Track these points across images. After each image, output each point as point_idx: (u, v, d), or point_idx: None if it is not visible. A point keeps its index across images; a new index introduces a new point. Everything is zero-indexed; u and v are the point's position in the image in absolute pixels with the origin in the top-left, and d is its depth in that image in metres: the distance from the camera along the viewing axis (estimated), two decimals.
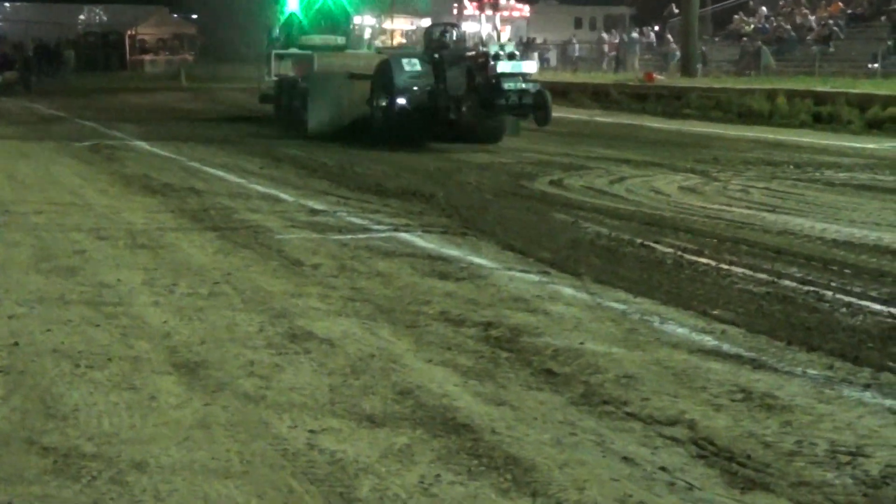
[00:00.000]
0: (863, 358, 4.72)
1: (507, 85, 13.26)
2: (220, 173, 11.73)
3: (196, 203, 9.41)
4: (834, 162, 12.99)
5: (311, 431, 3.86)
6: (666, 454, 3.67)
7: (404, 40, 21.79)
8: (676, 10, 36.20)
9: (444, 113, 14.46)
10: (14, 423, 3.95)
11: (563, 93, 24.56)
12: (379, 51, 18.37)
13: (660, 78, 28.55)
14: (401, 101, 14.59)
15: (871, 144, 15.47)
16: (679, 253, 7.15)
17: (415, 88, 14.61)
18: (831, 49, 29.44)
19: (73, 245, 7.41)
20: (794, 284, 6.20)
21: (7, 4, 57.31)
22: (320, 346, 4.96)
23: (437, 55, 14.81)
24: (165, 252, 7.21)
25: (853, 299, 5.82)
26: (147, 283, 6.27)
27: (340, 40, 19.18)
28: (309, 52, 18.04)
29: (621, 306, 5.71)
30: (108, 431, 3.87)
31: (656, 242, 7.52)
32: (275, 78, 18.90)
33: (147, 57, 54.23)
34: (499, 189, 10.45)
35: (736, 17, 36.45)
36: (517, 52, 13.86)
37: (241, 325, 5.33)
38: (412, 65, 14.76)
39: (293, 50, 18.91)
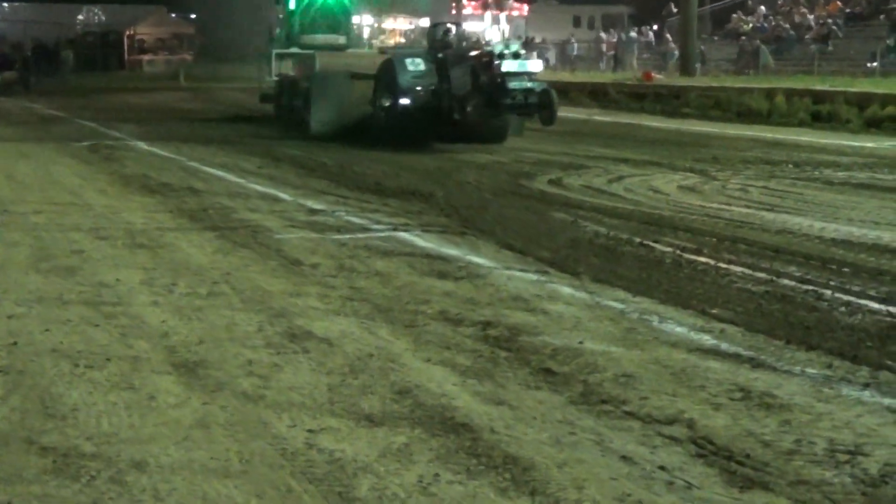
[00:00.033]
0: (861, 357, 4.73)
1: (513, 84, 13.16)
2: (219, 173, 11.73)
3: (195, 203, 9.42)
4: (832, 161, 12.99)
5: (310, 431, 3.86)
6: (665, 453, 3.67)
7: (403, 40, 21.74)
8: (675, 10, 36.21)
9: (449, 113, 14.35)
10: (13, 423, 3.95)
11: (562, 92, 24.39)
12: (382, 50, 18.27)
13: (658, 77, 28.57)
14: (404, 100, 14.49)
15: (869, 143, 15.48)
16: (678, 252, 7.15)
17: (418, 88, 14.52)
18: (830, 48, 29.45)
19: (72, 245, 7.41)
20: (792, 283, 6.21)
21: (5, 4, 57.32)
22: (319, 345, 4.96)
23: (440, 55, 14.72)
24: (164, 252, 7.21)
25: (852, 298, 5.82)
26: (146, 282, 6.27)
27: (342, 39, 19.06)
28: (310, 51, 17.94)
29: (620, 305, 5.71)
30: (108, 431, 3.87)
31: (655, 241, 7.52)
32: (275, 77, 18.80)
33: (146, 57, 54.28)
34: (498, 188, 10.46)
35: (734, 16, 36.47)
36: (522, 52, 13.74)
37: (239, 324, 5.33)
38: (416, 64, 14.66)
39: (294, 49, 18.81)
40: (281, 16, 19.67)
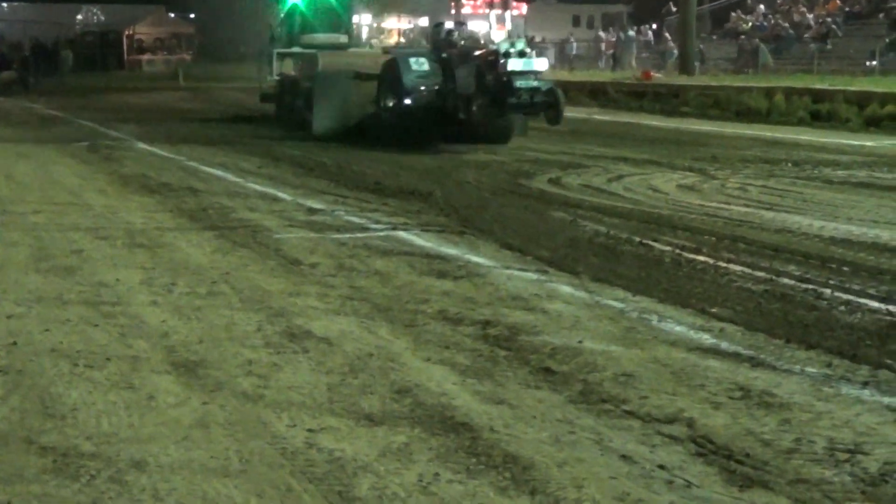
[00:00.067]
0: (861, 355, 4.73)
1: (519, 83, 13.03)
2: (219, 173, 11.73)
3: (194, 202, 9.42)
4: (832, 160, 12.99)
5: (310, 430, 3.86)
6: (664, 452, 3.67)
7: (402, 39, 21.68)
8: (674, 9, 36.21)
9: (454, 112, 14.23)
10: (13, 423, 3.95)
11: (562, 91, 24.50)
12: (386, 50, 18.13)
13: (657, 76, 28.56)
14: (409, 100, 14.36)
15: (869, 142, 15.47)
16: (677, 251, 7.15)
17: (423, 88, 14.38)
18: (829, 47, 29.45)
19: (72, 245, 7.41)
20: (792, 282, 6.21)
21: (4, 4, 57.28)
22: (318, 345, 4.96)
23: (444, 54, 14.61)
24: (164, 251, 7.21)
25: (851, 297, 5.83)
26: (145, 282, 6.27)
27: (343, 38, 18.89)
28: (312, 50, 17.82)
29: (619, 304, 5.71)
30: (107, 431, 3.87)
31: (654, 241, 7.52)
32: (276, 77, 18.67)
33: (145, 56, 54.28)
34: (497, 187, 10.45)
35: (734, 14, 36.47)
36: (528, 50, 13.58)
37: (239, 324, 5.33)
38: (420, 64, 14.53)
39: (295, 49, 18.68)
40: (282, 14, 19.57)
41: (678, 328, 5.24)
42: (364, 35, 21.08)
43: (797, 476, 3.47)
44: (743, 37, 33.15)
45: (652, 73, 28.49)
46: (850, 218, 8.59)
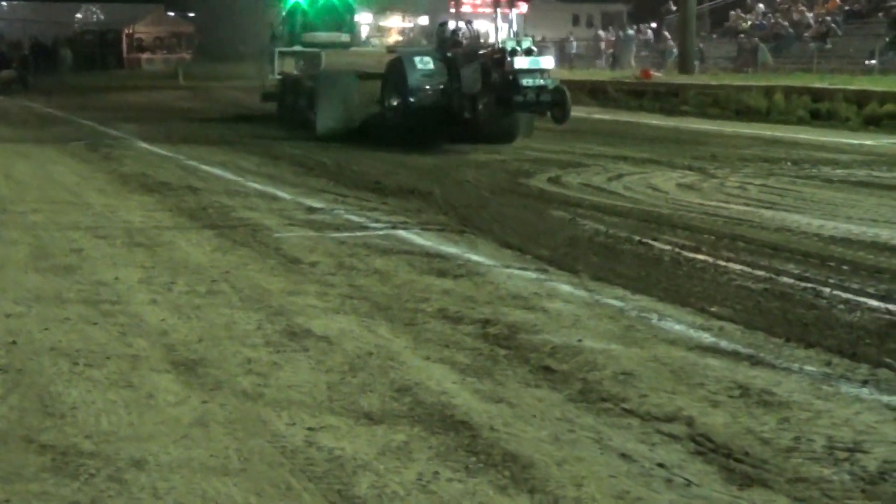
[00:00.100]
0: (860, 354, 4.73)
1: (525, 81, 12.87)
2: (218, 171, 11.73)
3: (194, 201, 9.42)
4: (831, 158, 12.99)
5: (310, 429, 3.86)
6: (664, 451, 3.67)
7: (401, 38, 21.65)
8: (674, 7, 36.20)
9: (459, 112, 14.13)
10: (12, 422, 3.95)
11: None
12: (390, 49, 18.00)
13: (657, 75, 28.55)
14: (414, 100, 14.24)
15: (868, 141, 15.47)
16: (677, 250, 7.15)
17: (428, 87, 14.26)
18: (829, 46, 29.42)
19: (71, 244, 7.41)
20: (791, 281, 6.21)
21: (4, 3, 57.27)
22: (318, 343, 4.97)
23: (449, 53, 14.51)
24: (163, 250, 7.21)
25: (851, 296, 5.83)
26: (145, 281, 6.27)
27: (345, 37, 18.77)
28: (316, 49, 17.69)
29: (619, 303, 5.71)
30: (107, 429, 3.87)
31: (654, 239, 7.52)
32: (278, 76, 18.55)
33: (144, 55, 54.28)
34: (496, 186, 10.45)
35: (733, 13, 36.43)
36: (534, 48, 13.43)
37: (238, 322, 5.33)
38: (425, 63, 14.40)
39: (297, 47, 18.56)
40: (283, 13, 19.47)
41: (677, 327, 5.24)
42: (364, 34, 21.01)
43: (796, 475, 3.47)
44: (742, 36, 33.12)
45: (651, 72, 28.47)
46: (849, 217, 8.59)
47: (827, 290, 5.96)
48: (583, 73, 33.81)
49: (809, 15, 31.86)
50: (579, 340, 4.99)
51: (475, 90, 13.88)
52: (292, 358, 4.74)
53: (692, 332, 5.14)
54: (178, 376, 4.48)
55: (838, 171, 11.69)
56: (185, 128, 17.99)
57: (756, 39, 31.52)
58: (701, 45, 32.98)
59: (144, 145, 14.86)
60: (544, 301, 5.77)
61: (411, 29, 22.05)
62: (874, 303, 5.68)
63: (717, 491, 3.36)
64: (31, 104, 26.12)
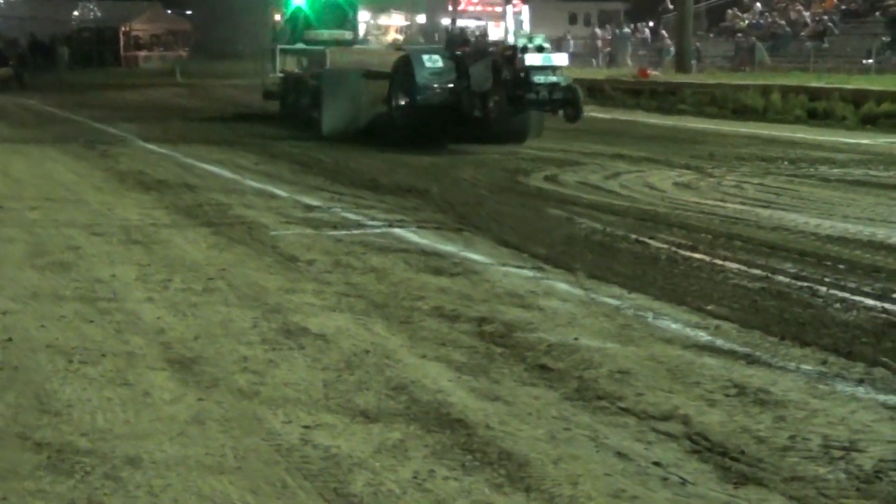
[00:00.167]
0: (856, 353, 4.74)
1: (537, 78, 12.56)
2: (215, 169, 11.72)
3: (190, 199, 9.41)
4: (828, 158, 13.00)
5: (305, 427, 3.86)
6: (660, 449, 3.67)
7: (400, 36, 21.61)
8: (671, 6, 36.21)
9: (469, 110, 13.85)
10: (8, 419, 3.95)
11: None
12: (398, 47, 17.75)
13: (654, 74, 28.55)
14: (422, 99, 13.92)
15: (865, 140, 15.48)
16: (673, 249, 7.15)
17: (436, 86, 13.92)
18: (826, 45, 29.44)
19: (68, 241, 7.41)
20: (788, 280, 6.21)
21: (1, 0, 57.19)
22: (314, 341, 4.96)
23: (458, 52, 14.24)
24: (159, 248, 7.20)
25: (847, 295, 5.83)
26: (141, 278, 6.27)
27: (348, 35, 18.54)
28: (320, 47, 17.46)
29: (615, 302, 5.72)
30: (102, 427, 3.87)
31: (651, 238, 7.52)
32: (280, 74, 18.32)
33: (141, 53, 54.18)
34: (493, 185, 10.45)
35: (730, 12, 36.44)
36: (546, 45, 13.11)
37: (235, 320, 5.33)
38: (433, 61, 14.05)
39: (300, 45, 18.36)
40: (285, 10, 19.29)
41: (674, 325, 5.25)
42: (362, 32, 20.94)
43: (792, 473, 3.47)
44: (740, 35, 33.14)
45: (649, 71, 28.47)
46: (845, 216, 8.60)
47: (823, 288, 5.96)
48: (580, 71, 33.74)
49: (806, 14, 31.87)
50: (575, 339, 4.99)
51: (485, 88, 13.53)
52: (288, 356, 4.74)
53: (688, 331, 5.14)
54: (174, 374, 4.48)
55: (835, 170, 11.70)
56: (183, 126, 17.97)
57: (753, 38, 31.53)
58: (698, 43, 32.97)
59: (142, 143, 14.84)
60: (541, 299, 5.77)
61: (409, 26, 22.00)
62: (870, 302, 5.69)
63: (712, 489, 3.36)
64: (27, 102, 26.08)
